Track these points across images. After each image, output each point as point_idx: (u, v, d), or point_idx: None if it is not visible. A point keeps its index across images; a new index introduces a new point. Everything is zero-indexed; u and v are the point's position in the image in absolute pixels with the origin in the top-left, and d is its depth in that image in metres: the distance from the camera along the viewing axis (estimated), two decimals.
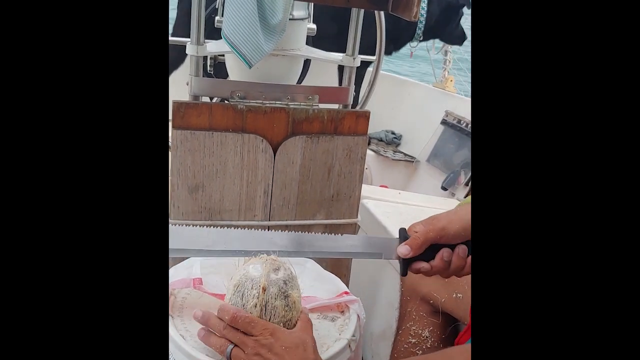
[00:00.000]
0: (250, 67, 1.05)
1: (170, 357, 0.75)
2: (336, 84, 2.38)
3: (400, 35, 2.54)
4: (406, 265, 0.76)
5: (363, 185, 1.32)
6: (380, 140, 2.75)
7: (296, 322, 0.75)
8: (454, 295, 1.02)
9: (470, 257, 0.74)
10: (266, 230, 0.81)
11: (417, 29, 2.53)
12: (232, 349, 0.69)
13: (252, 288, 0.72)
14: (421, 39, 2.60)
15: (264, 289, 0.72)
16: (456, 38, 2.73)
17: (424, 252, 0.75)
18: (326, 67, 2.32)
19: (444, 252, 0.74)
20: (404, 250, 0.75)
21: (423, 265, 0.75)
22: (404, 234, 0.78)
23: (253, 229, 0.82)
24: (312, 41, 1.38)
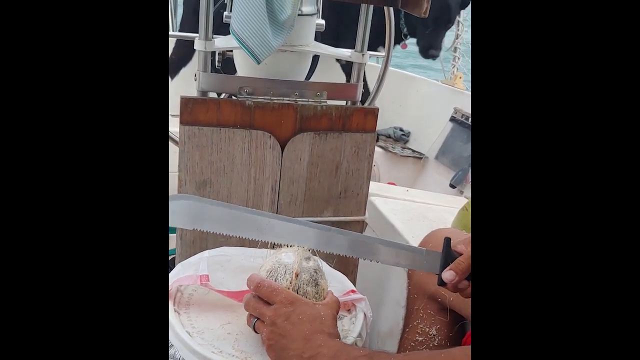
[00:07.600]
0: (258, 62, 1.04)
1: (176, 354, 0.75)
2: (342, 80, 2.37)
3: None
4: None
5: (371, 183, 1.31)
6: (389, 136, 2.74)
7: None
8: None
9: None
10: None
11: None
12: (255, 322, 0.70)
13: (285, 273, 0.74)
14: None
15: (297, 275, 0.74)
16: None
17: None
18: (333, 63, 2.31)
19: None
20: (449, 276, 0.76)
21: (464, 283, 0.76)
22: (448, 244, 0.79)
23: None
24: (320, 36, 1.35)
